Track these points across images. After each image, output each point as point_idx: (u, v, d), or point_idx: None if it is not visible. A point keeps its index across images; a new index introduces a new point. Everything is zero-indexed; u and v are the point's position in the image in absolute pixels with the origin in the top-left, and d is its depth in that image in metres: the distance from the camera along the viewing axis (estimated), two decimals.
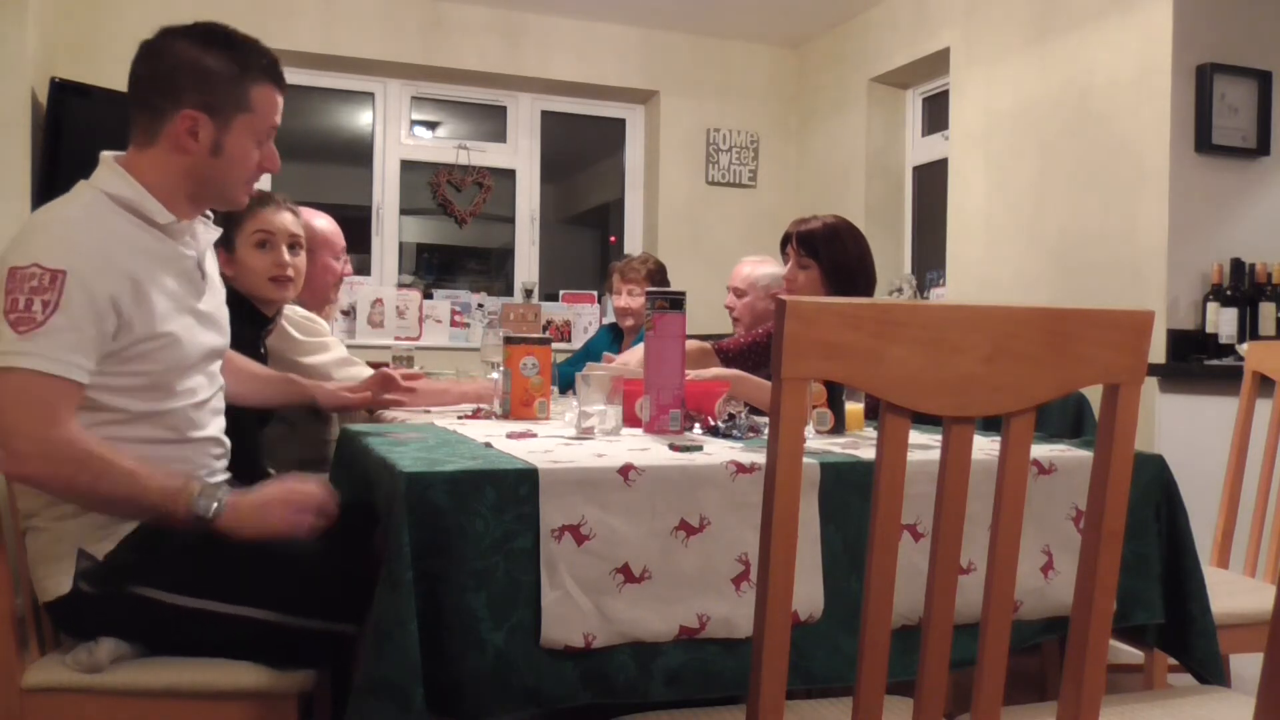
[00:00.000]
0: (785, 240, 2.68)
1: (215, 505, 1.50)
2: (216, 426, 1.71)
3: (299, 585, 1.59)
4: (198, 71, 1.59)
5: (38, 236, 1.49)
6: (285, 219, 2.36)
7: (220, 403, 1.73)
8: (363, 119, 5.10)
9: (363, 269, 4.91)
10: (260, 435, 2.17)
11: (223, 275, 2.29)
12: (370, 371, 2.51)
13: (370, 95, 5.02)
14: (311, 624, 1.57)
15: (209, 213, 1.75)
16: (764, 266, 3.50)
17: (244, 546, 1.55)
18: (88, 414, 1.51)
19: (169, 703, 1.53)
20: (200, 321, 1.66)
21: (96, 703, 1.51)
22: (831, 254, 2.59)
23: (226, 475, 1.74)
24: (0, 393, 1.43)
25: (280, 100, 1.67)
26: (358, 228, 4.78)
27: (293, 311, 2.49)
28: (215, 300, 1.74)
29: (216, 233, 1.77)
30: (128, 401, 1.54)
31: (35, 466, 1.43)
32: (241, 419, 1.80)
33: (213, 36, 1.62)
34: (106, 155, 1.63)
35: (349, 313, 4.77)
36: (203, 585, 1.55)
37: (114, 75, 3.98)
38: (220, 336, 1.72)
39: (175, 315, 1.59)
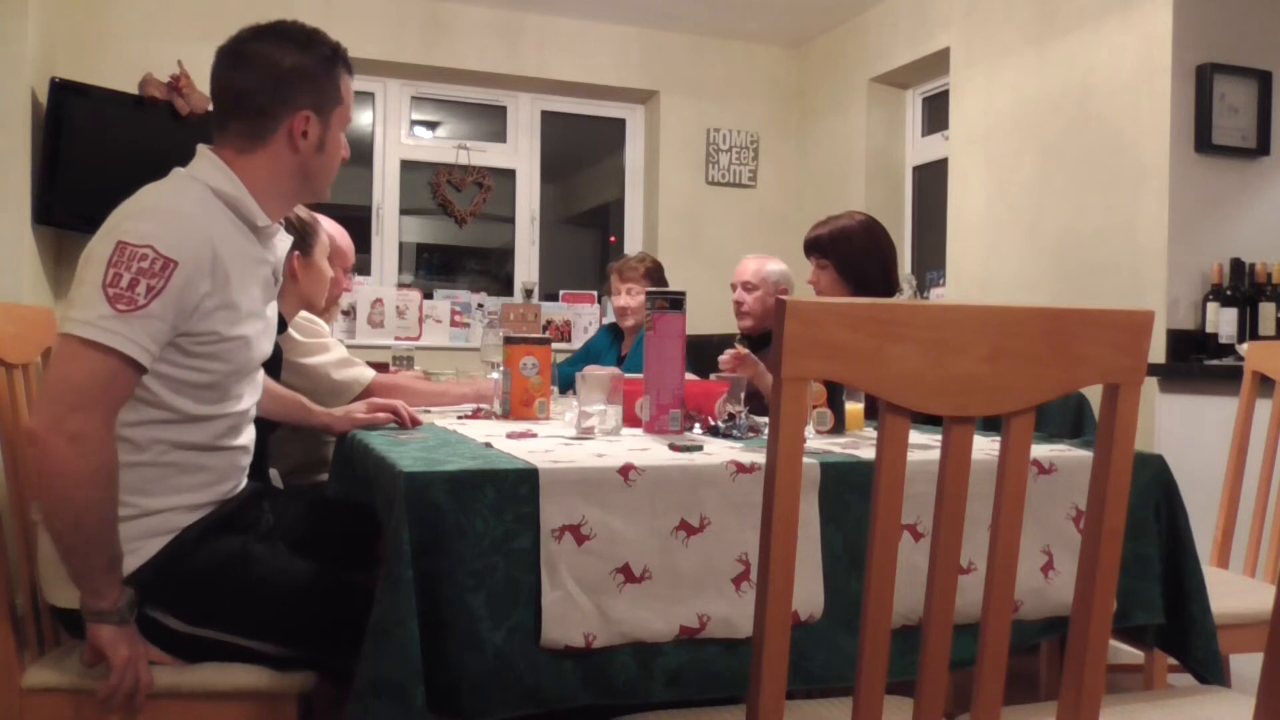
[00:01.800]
0: (806, 248, 2.83)
1: (127, 615, 1.47)
2: (250, 435, 1.71)
3: (307, 624, 1.59)
4: (302, 74, 1.62)
5: (155, 220, 1.47)
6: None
7: (255, 412, 1.73)
8: (362, 119, 5.10)
9: (363, 269, 4.90)
10: (269, 439, 2.18)
11: (290, 279, 2.34)
12: (371, 373, 2.51)
13: (370, 95, 5.02)
14: (314, 660, 1.58)
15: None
16: (771, 263, 3.50)
17: (256, 583, 1.56)
18: (142, 408, 1.49)
19: (169, 703, 1.53)
20: (265, 327, 1.68)
21: (97, 703, 1.51)
22: (839, 252, 2.74)
23: (245, 483, 1.74)
24: (78, 362, 1.39)
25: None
26: (358, 228, 4.77)
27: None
28: (275, 307, 1.75)
29: (289, 240, 1.79)
30: (184, 401, 1.53)
31: (68, 450, 1.36)
32: (254, 423, 1.81)
33: (306, 37, 1.64)
34: (205, 149, 1.62)
35: (349, 313, 4.77)
36: (215, 617, 1.55)
37: (114, 75, 3.99)
38: (271, 343, 1.74)
39: (250, 319, 1.59)
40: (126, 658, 1.47)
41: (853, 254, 2.73)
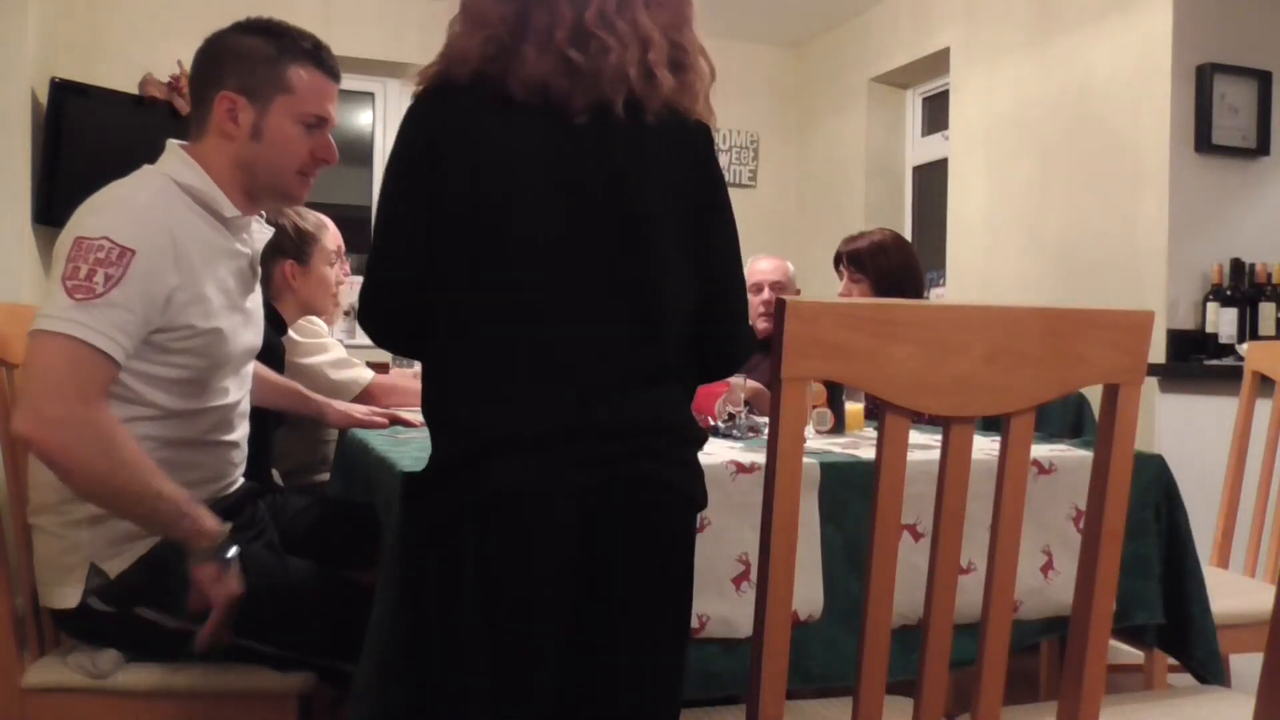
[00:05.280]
0: (837, 259, 2.85)
1: (231, 555, 1.48)
2: (242, 431, 1.70)
3: (304, 622, 1.58)
4: (235, 55, 1.59)
5: (110, 213, 1.47)
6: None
7: (247, 406, 1.72)
8: (363, 119, 5.10)
9: (363, 269, 4.89)
10: (272, 438, 2.18)
11: (285, 286, 2.34)
12: (370, 373, 2.51)
13: (370, 95, 5.02)
14: (313, 660, 1.57)
15: (262, 212, 1.75)
16: (788, 262, 3.44)
17: (253, 582, 1.54)
18: (123, 406, 1.48)
19: (169, 703, 1.53)
20: (246, 320, 1.67)
21: (97, 703, 1.51)
22: (877, 264, 2.76)
23: (241, 480, 1.74)
24: (44, 355, 1.38)
25: (328, 87, 1.65)
26: (357, 228, 4.77)
27: None
28: (257, 299, 1.74)
29: (269, 232, 1.77)
30: (164, 397, 1.53)
31: (58, 437, 1.36)
32: (255, 421, 1.80)
33: (255, 24, 1.63)
34: (173, 143, 1.62)
35: (350, 313, 4.77)
36: (209, 615, 1.54)
37: (114, 75, 3.98)
38: (257, 336, 1.73)
39: (226, 312, 1.59)
40: (227, 594, 1.47)
41: (890, 268, 2.75)
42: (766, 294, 3.32)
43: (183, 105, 3.95)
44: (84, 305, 1.38)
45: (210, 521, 1.47)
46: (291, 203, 1.70)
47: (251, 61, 1.58)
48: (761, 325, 3.31)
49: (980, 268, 4.13)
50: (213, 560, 1.46)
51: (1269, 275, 3.16)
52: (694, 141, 1.33)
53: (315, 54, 1.63)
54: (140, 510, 1.45)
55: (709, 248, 1.34)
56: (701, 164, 1.34)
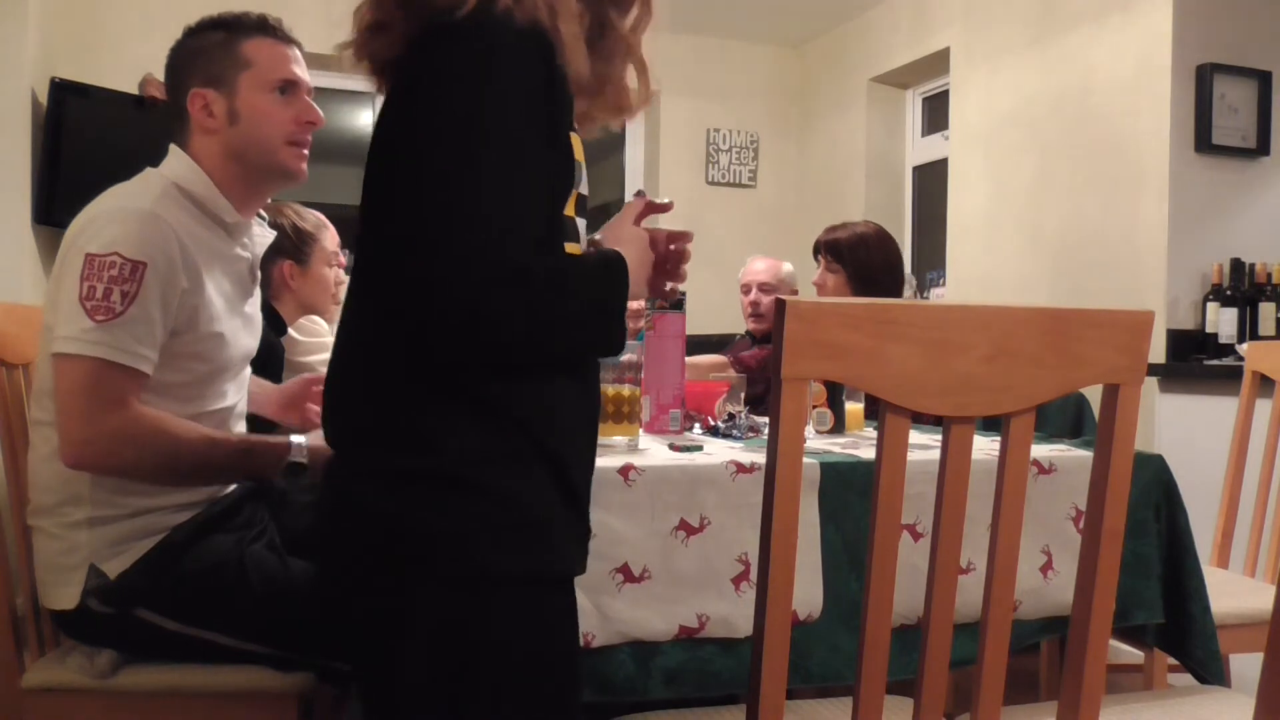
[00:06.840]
0: (816, 249, 2.83)
1: (303, 454, 1.59)
2: (239, 431, 1.71)
3: (304, 624, 1.58)
4: (192, 54, 1.62)
5: (116, 224, 1.48)
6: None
7: (244, 407, 1.73)
8: (363, 119, 5.10)
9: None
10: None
11: (283, 286, 2.35)
12: None
13: (370, 95, 5.02)
14: (313, 660, 1.57)
15: (263, 214, 1.76)
16: (784, 264, 3.47)
17: (250, 584, 1.55)
18: None
19: (169, 703, 1.53)
20: (245, 324, 1.68)
21: (97, 703, 1.51)
22: (856, 258, 2.75)
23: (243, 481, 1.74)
24: (69, 378, 1.43)
25: (285, 51, 1.65)
26: (357, 228, 4.77)
27: None
28: (256, 303, 1.76)
29: (271, 235, 1.79)
30: (166, 403, 1.53)
31: (98, 451, 1.43)
32: (254, 421, 1.80)
33: (203, 22, 1.65)
34: (176, 147, 1.63)
35: None
36: (208, 617, 1.54)
37: (114, 75, 3.98)
38: (255, 340, 1.74)
39: (227, 316, 1.60)
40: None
41: (870, 262, 2.74)
42: (754, 294, 3.39)
43: None
44: (106, 326, 1.43)
45: (277, 443, 1.58)
46: (294, 178, 1.67)
47: (207, 54, 1.61)
48: (749, 326, 3.39)
49: (980, 268, 4.13)
50: (290, 463, 1.59)
51: (1269, 275, 3.16)
52: (403, 67, 1.10)
53: (264, 25, 1.65)
54: (218, 473, 1.56)
55: (387, 184, 1.15)
56: (399, 84, 1.11)
